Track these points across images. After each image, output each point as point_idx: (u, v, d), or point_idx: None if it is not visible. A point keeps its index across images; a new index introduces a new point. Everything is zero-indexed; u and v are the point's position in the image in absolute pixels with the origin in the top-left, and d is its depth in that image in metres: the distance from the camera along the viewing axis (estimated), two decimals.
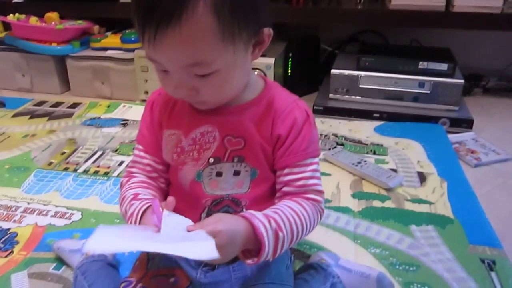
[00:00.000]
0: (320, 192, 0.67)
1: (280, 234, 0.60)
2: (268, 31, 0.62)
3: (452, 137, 1.37)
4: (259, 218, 0.59)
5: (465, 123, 1.43)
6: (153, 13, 0.53)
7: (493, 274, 0.83)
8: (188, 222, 0.58)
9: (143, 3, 0.54)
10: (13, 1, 1.84)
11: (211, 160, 0.66)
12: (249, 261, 0.59)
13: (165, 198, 0.72)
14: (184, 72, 0.57)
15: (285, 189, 0.66)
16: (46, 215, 1.01)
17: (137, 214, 0.62)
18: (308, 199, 0.65)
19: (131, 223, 0.63)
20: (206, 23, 0.53)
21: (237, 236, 0.57)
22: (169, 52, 0.55)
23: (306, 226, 0.63)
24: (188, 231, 0.56)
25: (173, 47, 0.54)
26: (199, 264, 0.70)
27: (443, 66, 1.46)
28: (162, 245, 0.52)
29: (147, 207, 0.63)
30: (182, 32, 0.53)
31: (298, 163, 0.66)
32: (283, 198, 0.66)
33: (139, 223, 0.62)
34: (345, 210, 1.02)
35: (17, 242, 0.92)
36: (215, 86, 0.59)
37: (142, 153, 0.72)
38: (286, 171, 0.66)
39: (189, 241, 0.54)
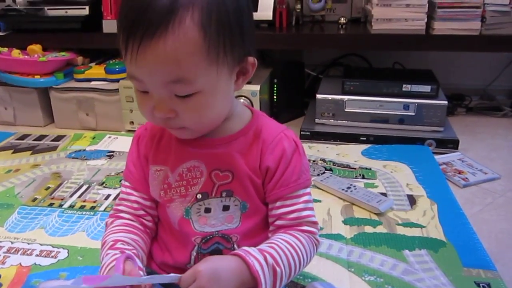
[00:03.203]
0: (315, 223, 0.66)
1: (278, 269, 0.59)
2: (252, 60, 0.62)
3: (439, 158, 1.38)
4: (254, 255, 0.58)
5: (451, 144, 1.44)
6: (138, 25, 0.53)
7: None
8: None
9: (129, 16, 0.54)
10: None
11: (199, 196, 0.65)
12: None
13: (153, 236, 0.71)
14: (165, 90, 0.56)
15: (278, 222, 0.65)
16: (30, 254, 0.97)
17: (105, 269, 0.61)
18: (303, 231, 0.64)
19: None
20: (192, 38, 0.53)
21: (222, 274, 0.56)
22: (152, 66, 0.54)
23: (303, 259, 0.62)
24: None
25: (156, 60, 0.53)
26: None
27: (427, 88, 1.48)
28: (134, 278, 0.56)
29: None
30: (167, 44, 0.52)
31: (290, 195, 0.65)
32: (276, 231, 0.65)
33: None
34: (337, 237, 1.01)
35: (1, 285, 0.88)
36: (195, 110, 0.58)
37: (129, 190, 0.70)
38: (278, 204, 0.65)
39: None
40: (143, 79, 0.57)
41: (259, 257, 0.58)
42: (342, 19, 1.75)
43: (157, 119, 0.60)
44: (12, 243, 1.02)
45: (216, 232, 0.65)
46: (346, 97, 1.53)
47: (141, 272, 0.59)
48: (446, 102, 1.47)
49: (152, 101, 0.58)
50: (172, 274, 0.57)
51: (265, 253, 0.59)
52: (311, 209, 0.66)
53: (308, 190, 0.66)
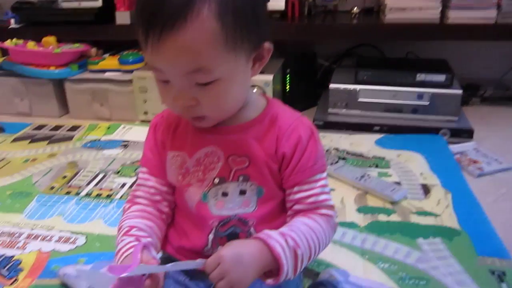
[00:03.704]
0: (332, 207, 0.67)
1: (299, 251, 0.60)
2: (268, 46, 0.63)
3: (453, 147, 1.37)
4: (275, 237, 0.59)
5: (466, 133, 1.43)
6: (157, 17, 0.54)
7: (503, 285, 0.82)
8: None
9: (148, 9, 0.55)
10: (10, 26, 1.85)
11: (216, 180, 0.66)
12: (269, 281, 0.59)
13: (168, 222, 0.73)
14: (185, 79, 0.57)
15: (297, 207, 0.66)
16: (50, 240, 1.00)
17: (121, 255, 0.63)
18: (321, 214, 0.65)
19: (116, 261, 0.63)
20: (210, 27, 0.55)
21: (244, 257, 0.57)
22: (172, 56, 0.56)
23: (322, 241, 0.64)
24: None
25: (176, 50, 0.55)
26: (208, 286, 0.69)
27: (441, 77, 1.47)
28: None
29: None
30: (186, 35, 0.54)
31: (307, 180, 0.66)
32: (295, 216, 0.66)
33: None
34: (351, 225, 1.01)
35: (22, 269, 0.91)
36: (215, 97, 0.59)
37: (146, 175, 0.72)
38: (295, 189, 0.66)
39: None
40: (164, 70, 0.58)
41: (280, 240, 0.59)
42: (354, 8, 1.74)
43: (178, 108, 0.61)
44: (31, 229, 1.04)
45: (234, 216, 0.67)
46: (359, 87, 1.52)
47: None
48: (460, 91, 1.46)
49: (173, 90, 0.59)
50: (197, 260, 0.58)
51: (286, 236, 0.60)
52: (328, 193, 0.67)
53: (324, 175, 0.67)
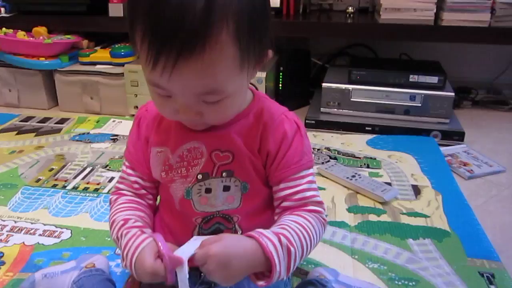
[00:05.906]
0: (320, 203, 0.66)
1: (292, 249, 0.58)
2: (270, 53, 0.61)
3: (444, 149, 1.37)
4: (268, 236, 0.58)
5: (457, 136, 1.43)
6: (173, 40, 0.49)
7: (492, 287, 0.82)
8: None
9: (161, 28, 0.50)
10: (0, 15, 1.82)
11: (200, 176, 0.65)
12: (260, 283, 0.57)
13: (154, 214, 0.72)
14: (195, 99, 0.55)
15: (284, 204, 0.65)
16: (34, 233, 0.97)
17: (134, 252, 0.61)
18: (309, 211, 0.64)
19: (126, 255, 0.61)
20: (228, 52, 0.52)
21: (232, 261, 0.55)
22: (186, 81, 0.52)
23: (313, 238, 0.62)
24: None
25: (192, 76, 0.52)
26: (194, 283, 0.68)
27: (434, 79, 1.47)
28: None
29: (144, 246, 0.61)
30: (204, 61, 0.51)
31: (293, 176, 0.64)
32: (283, 213, 0.65)
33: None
34: (341, 224, 1.00)
35: (3, 263, 0.88)
36: (221, 111, 0.58)
37: (129, 170, 0.71)
38: (282, 185, 0.65)
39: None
40: (173, 91, 0.55)
41: (273, 238, 0.57)
42: (350, 8, 1.74)
43: (179, 119, 0.60)
44: (15, 222, 1.02)
45: (217, 213, 0.65)
46: (352, 87, 1.51)
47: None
48: (453, 93, 1.46)
49: (175, 104, 0.57)
50: (193, 243, 0.58)
51: (279, 234, 0.58)
52: (315, 189, 0.66)
53: (311, 171, 0.66)
